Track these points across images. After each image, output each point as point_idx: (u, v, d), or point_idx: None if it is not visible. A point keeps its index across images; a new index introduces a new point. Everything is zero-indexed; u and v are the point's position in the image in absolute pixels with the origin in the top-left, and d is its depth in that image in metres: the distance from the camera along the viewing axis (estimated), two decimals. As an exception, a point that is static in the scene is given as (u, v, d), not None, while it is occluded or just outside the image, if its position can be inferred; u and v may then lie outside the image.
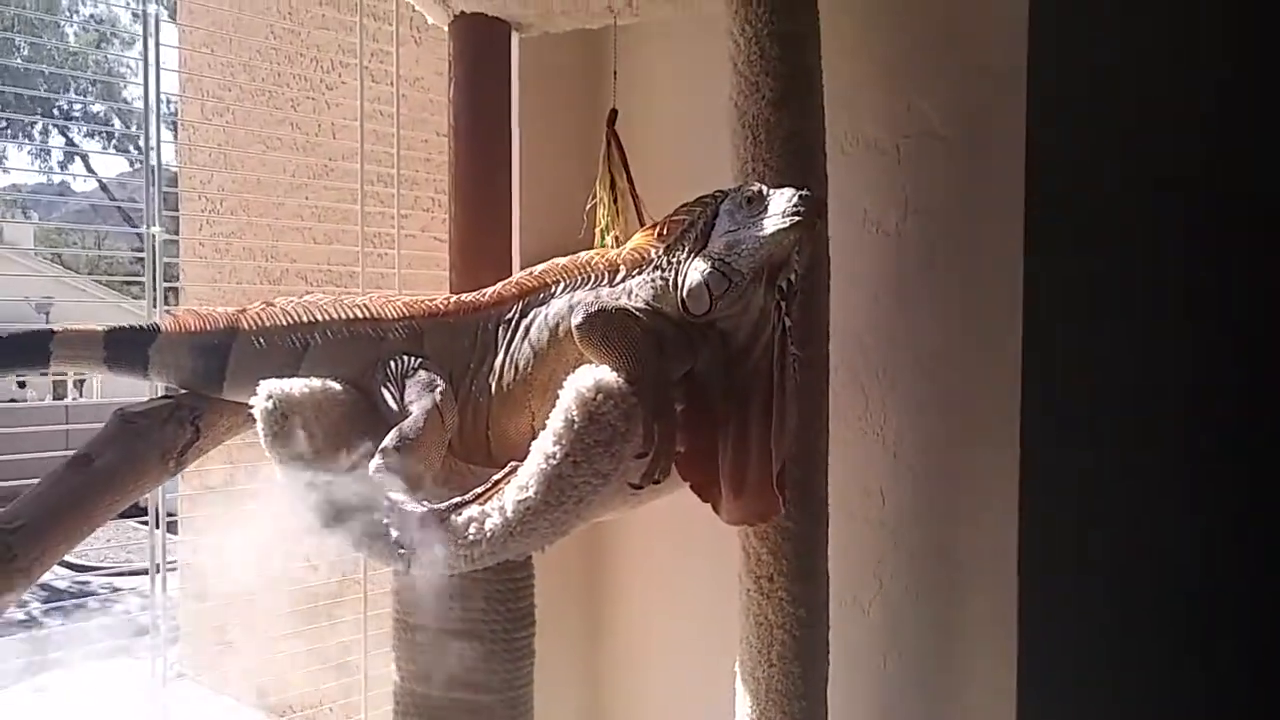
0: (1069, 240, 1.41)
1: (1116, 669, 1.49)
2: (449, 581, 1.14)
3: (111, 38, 9.52)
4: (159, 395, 1.25)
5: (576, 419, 0.96)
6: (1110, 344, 1.50)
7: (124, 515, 1.24)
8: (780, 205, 0.97)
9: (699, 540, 1.55)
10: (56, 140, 12.35)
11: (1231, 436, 1.61)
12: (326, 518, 1.05)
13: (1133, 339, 1.53)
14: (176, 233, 2.44)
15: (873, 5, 1.46)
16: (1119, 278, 1.50)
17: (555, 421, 0.98)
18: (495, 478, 1.02)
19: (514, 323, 1.11)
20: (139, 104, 1.66)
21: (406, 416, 1.06)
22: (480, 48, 1.48)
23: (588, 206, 1.54)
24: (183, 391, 1.21)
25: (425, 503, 1.01)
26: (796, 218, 0.97)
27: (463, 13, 1.45)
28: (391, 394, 1.10)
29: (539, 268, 1.13)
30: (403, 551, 1.00)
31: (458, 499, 1.01)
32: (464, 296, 1.17)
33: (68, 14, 10.93)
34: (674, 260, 1.04)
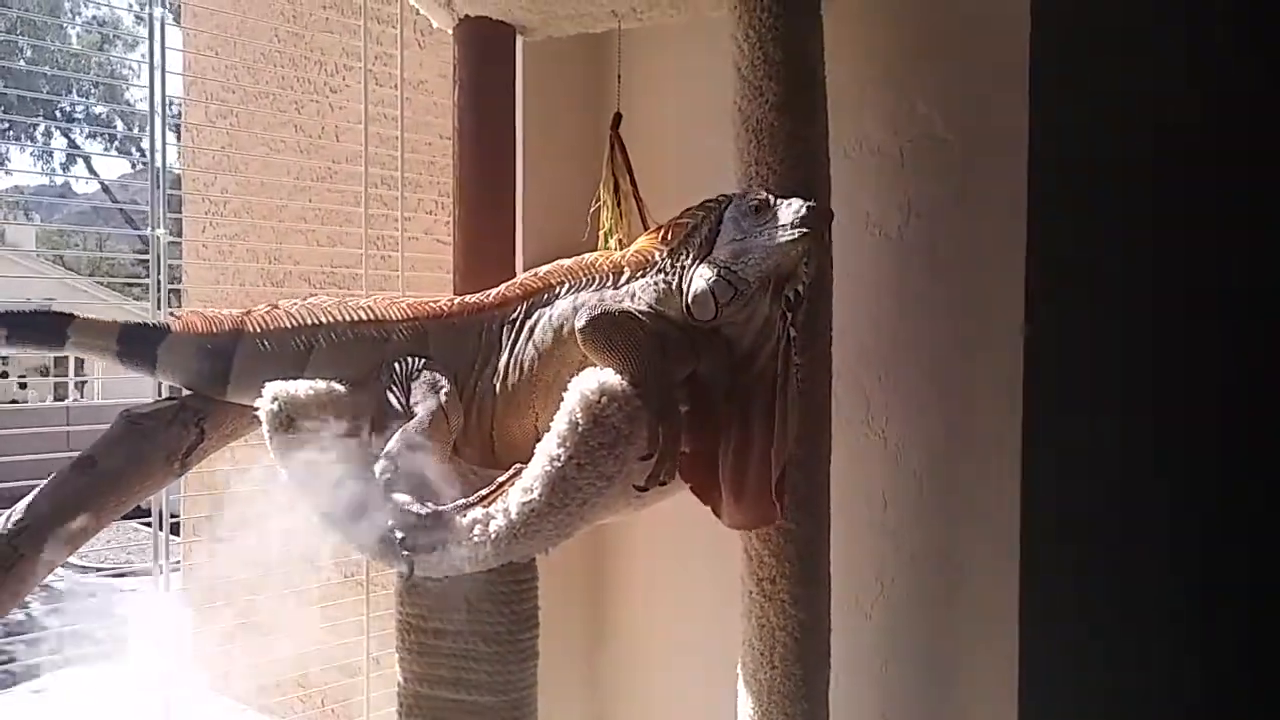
0: (1070, 243, 1.41)
1: (1117, 671, 1.49)
2: (453, 583, 1.14)
3: (114, 40, 9.53)
4: (164, 397, 1.25)
5: (580, 421, 0.96)
6: (1111, 345, 1.51)
7: (125, 516, 1.24)
8: (788, 216, 0.98)
9: (702, 543, 1.55)
10: (59, 142, 12.37)
11: (1232, 436, 1.61)
12: (331, 519, 1.05)
13: (1134, 340, 1.53)
14: (179, 235, 2.44)
15: (875, 10, 1.46)
16: (1120, 279, 1.51)
17: (559, 424, 0.98)
18: (500, 480, 1.03)
19: (518, 323, 1.12)
20: (141, 106, 1.67)
21: (411, 418, 1.07)
22: (485, 51, 1.48)
23: (591, 209, 1.54)
24: (188, 393, 1.22)
25: (430, 504, 1.01)
26: (804, 229, 0.97)
27: (467, 16, 1.46)
28: (396, 395, 1.11)
29: (543, 269, 1.13)
30: (407, 553, 1.00)
31: (462, 501, 1.02)
32: (468, 298, 1.17)
33: (70, 16, 10.95)
34: (678, 264, 1.04)
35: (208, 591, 1.91)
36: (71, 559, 1.17)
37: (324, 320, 1.18)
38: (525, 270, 1.17)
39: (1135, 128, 1.49)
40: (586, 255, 1.12)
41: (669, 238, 1.06)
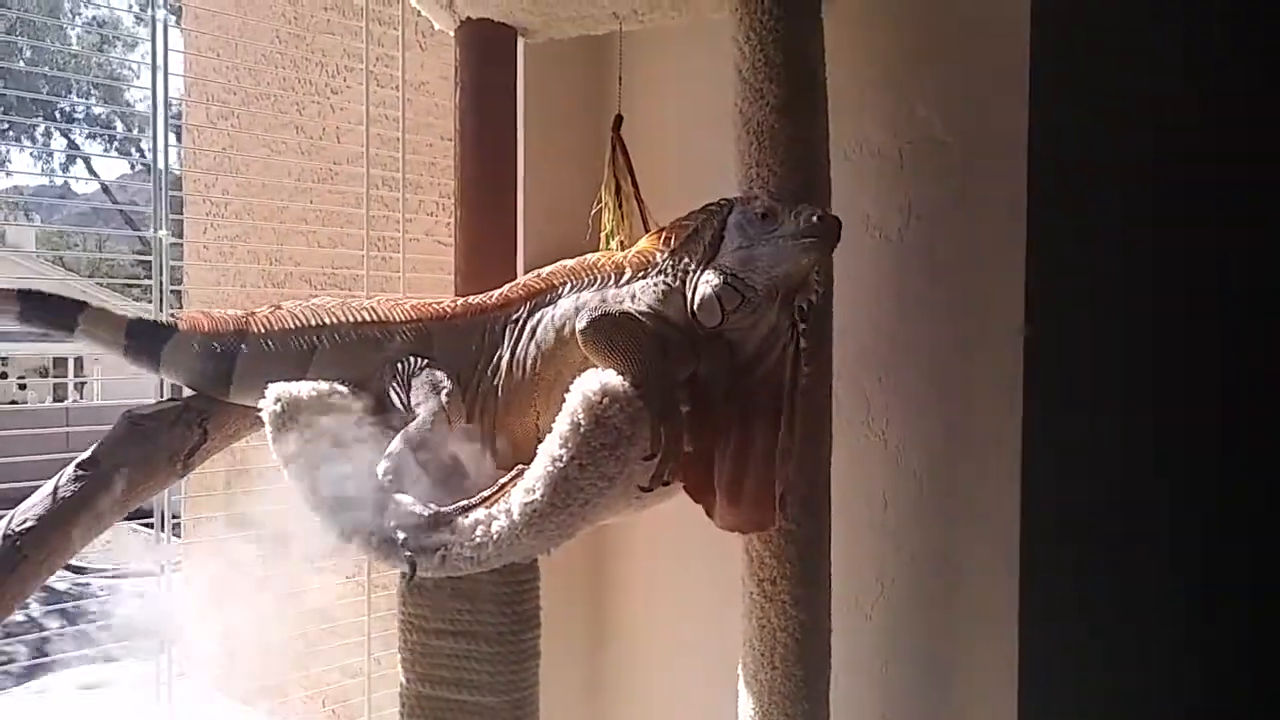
0: (1070, 245, 1.42)
1: (1116, 671, 1.50)
2: (455, 583, 1.15)
3: (114, 40, 9.54)
4: (166, 398, 1.26)
5: (582, 422, 0.97)
6: (1111, 346, 1.51)
7: (126, 517, 1.25)
8: (797, 225, 0.98)
9: (702, 543, 1.55)
10: (58, 143, 12.37)
11: (1232, 436, 1.61)
12: (333, 520, 1.05)
13: (1133, 340, 1.54)
14: (180, 236, 2.44)
15: (875, 12, 1.47)
16: (1120, 281, 1.51)
17: (561, 425, 0.98)
18: (502, 480, 1.03)
19: (521, 323, 1.12)
20: (141, 106, 1.68)
21: (414, 419, 1.07)
22: (486, 53, 1.49)
23: (593, 211, 1.55)
24: (190, 394, 1.22)
25: (431, 505, 1.02)
26: (814, 238, 0.97)
27: (469, 18, 1.46)
28: (399, 396, 1.11)
29: (546, 269, 1.14)
30: (409, 554, 1.00)
31: (464, 501, 1.02)
32: (471, 298, 1.17)
33: (70, 17, 10.95)
34: (680, 266, 1.05)
35: (208, 591, 1.91)
36: (72, 559, 1.18)
37: (327, 321, 1.18)
38: (526, 272, 1.17)
39: (1134, 129, 1.50)
40: (589, 255, 1.13)
41: (670, 239, 1.07)
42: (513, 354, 1.11)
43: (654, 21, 1.46)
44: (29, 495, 1.11)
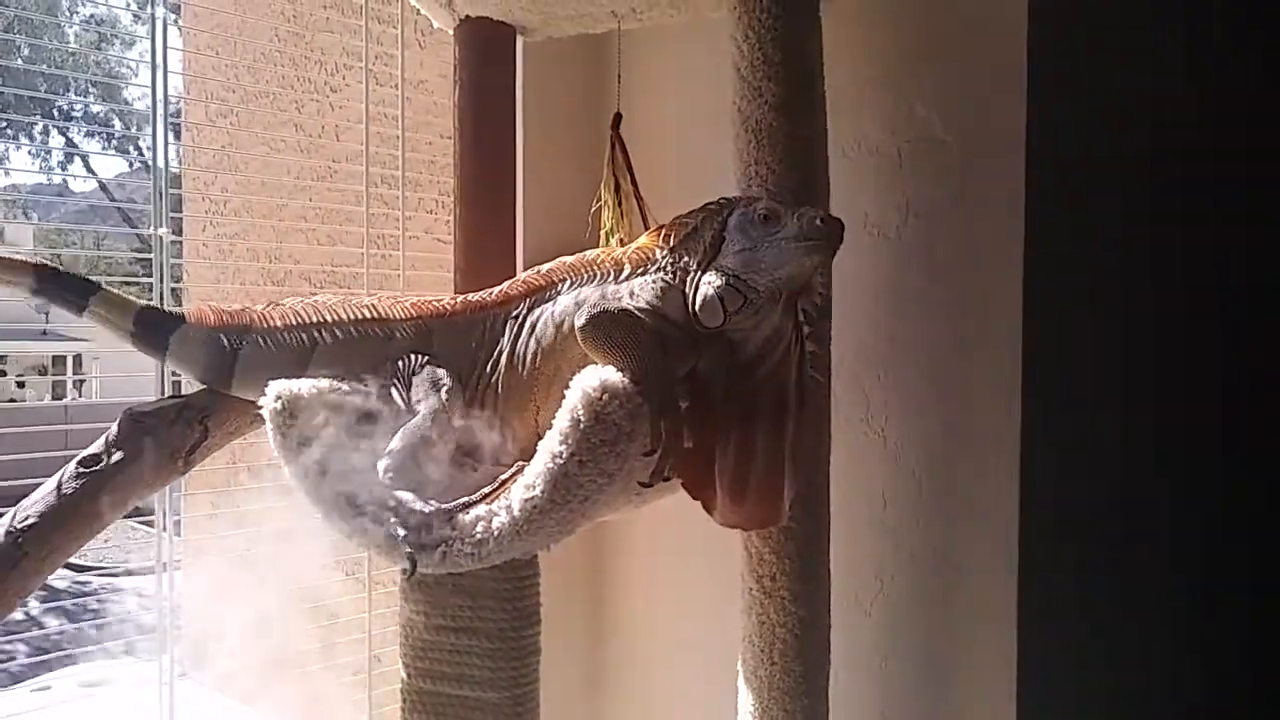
0: (1069, 242, 1.42)
1: (1115, 670, 1.50)
2: (456, 580, 1.15)
3: (112, 38, 9.53)
4: (167, 395, 1.26)
5: (582, 419, 0.97)
6: (1111, 345, 1.51)
7: (126, 515, 1.25)
8: (799, 227, 0.98)
9: (702, 540, 1.55)
10: (56, 141, 12.36)
11: (1233, 436, 1.61)
12: (333, 516, 1.06)
13: (1133, 339, 1.54)
14: (179, 234, 2.45)
15: (874, 11, 1.47)
16: (1119, 279, 1.51)
17: (561, 421, 0.99)
18: (502, 477, 1.03)
19: (520, 319, 1.12)
20: (140, 105, 1.68)
21: (414, 415, 1.07)
22: (485, 52, 1.49)
23: (592, 210, 1.55)
24: (191, 391, 1.22)
25: (432, 502, 1.02)
26: (816, 241, 0.97)
27: (468, 17, 1.46)
28: (399, 393, 1.11)
29: (546, 266, 1.14)
30: (410, 550, 1.01)
31: (465, 498, 1.02)
32: (471, 296, 1.17)
33: (68, 15, 10.93)
34: (680, 264, 1.05)
35: (209, 590, 1.92)
36: (72, 558, 1.18)
37: (327, 318, 1.18)
38: (526, 269, 1.18)
39: (1133, 128, 1.50)
40: (588, 252, 1.13)
41: (670, 237, 1.07)
42: (513, 350, 1.11)
43: (653, 20, 1.47)
44: (28, 493, 1.12)
